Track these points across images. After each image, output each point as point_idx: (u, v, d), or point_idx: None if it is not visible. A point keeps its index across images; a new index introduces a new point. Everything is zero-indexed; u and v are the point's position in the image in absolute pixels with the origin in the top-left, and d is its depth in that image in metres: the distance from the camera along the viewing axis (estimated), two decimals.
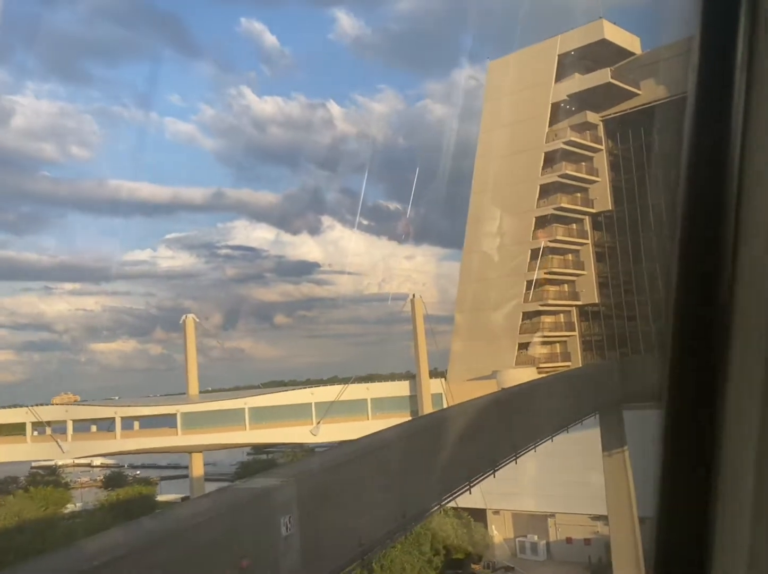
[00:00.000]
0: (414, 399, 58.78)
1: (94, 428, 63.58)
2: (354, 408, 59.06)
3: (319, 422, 57.90)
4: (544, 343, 65.28)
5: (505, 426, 21.33)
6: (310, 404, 58.14)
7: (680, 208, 1.94)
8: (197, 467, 59.93)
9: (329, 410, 58.15)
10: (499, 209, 63.44)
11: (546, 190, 61.86)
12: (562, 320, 65.86)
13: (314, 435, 57.85)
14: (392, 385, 61.30)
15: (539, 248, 62.20)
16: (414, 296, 59.01)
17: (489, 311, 64.18)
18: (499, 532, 56.35)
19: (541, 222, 62.35)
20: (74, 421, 59.76)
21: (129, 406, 59.34)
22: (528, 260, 62.13)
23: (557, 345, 66.13)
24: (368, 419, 58.78)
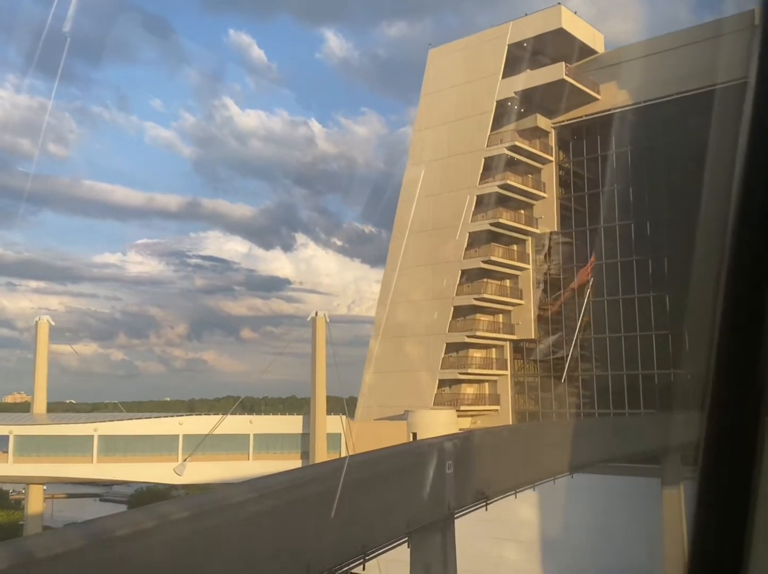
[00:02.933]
0: (306, 438, 50.51)
1: None
2: (232, 444, 50.52)
3: (186, 459, 49.08)
4: (470, 381, 57.91)
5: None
6: (177, 436, 49.31)
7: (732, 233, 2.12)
8: (35, 502, 50.39)
9: (201, 445, 49.41)
10: (428, 221, 56.22)
11: (484, 203, 54.97)
12: (494, 355, 58.66)
13: (179, 475, 48.95)
14: (281, 419, 53.00)
15: (472, 269, 55.08)
16: (317, 313, 50.98)
17: (408, 338, 56.62)
18: None
19: (476, 239, 55.29)
20: None
21: None
22: (457, 283, 54.88)
23: (486, 385, 58.82)
24: (248, 458, 50.33)
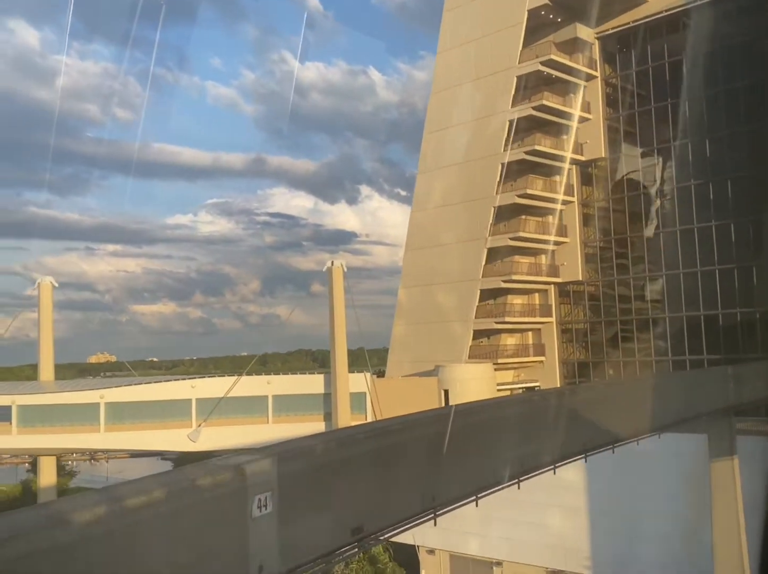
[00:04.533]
0: (329, 398, 47.22)
1: None
2: (250, 407, 47.66)
3: (200, 424, 46.50)
4: (510, 330, 53.53)
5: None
6: (190, 400, 46.66)
7: None
8: (47, 474, 48.86)
9: (216, 409, 46.73)
10: (457, 154, 51.31)
11: (519, 128, 49.63)
12: (537, 301, 53.99)
13: (193, 441, 46.46)
14: (302, 379, 49.77)
15: (507, 206, 50.17)
16: (333, 263, 47.08)
17: (439, 286, 52.40)
18: None
19: (512, 171, 50.18)
20: None
21: None
22: (491, 221, 50.11)
23: (529, 334, 54.34)
24: (268, 421, 47.47)
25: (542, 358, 53.19)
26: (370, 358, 53.54)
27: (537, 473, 18.79)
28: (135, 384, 47.52)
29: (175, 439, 46.43)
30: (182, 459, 63.27)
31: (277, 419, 47.61)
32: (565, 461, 20.10)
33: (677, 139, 46.66)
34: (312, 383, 48.37)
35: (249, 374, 49.63)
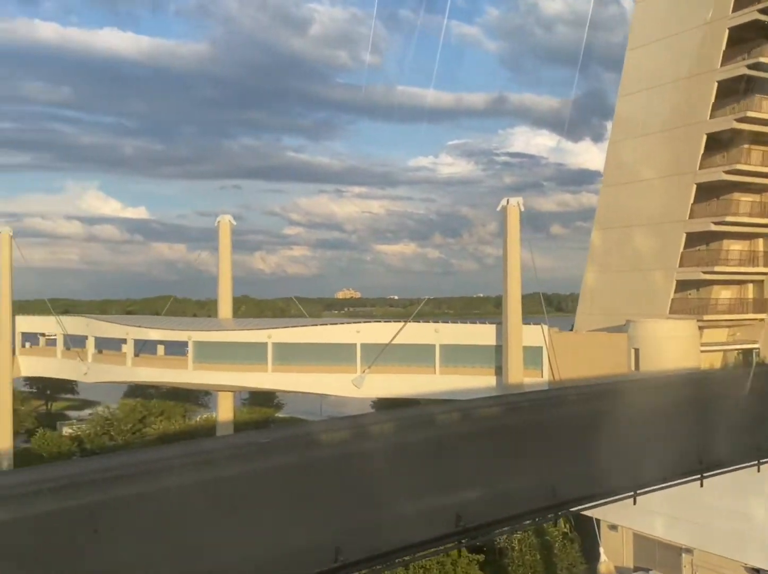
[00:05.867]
0: (500, 351, 43.67)
1: (161, 350, 55.71)
2: (416, 355, 45.54)
3: (365, 370, 45.26)
4: (725, 282, 46.08)
5: None
6: (355, 344, 45.46)
7: None
8: (225, 409, 50.76)
9: (381, 355, 45.17)
10: (661, 73, 44.15)
11: (738, 39, 41.47)
12: (761, 247, 45.87)
13: (357, 387, 45.42)
14: (473, 328, 46.44)
15: (723, 132, 42.47)
16: (509, 201, 42.80)
17: (637, 228, 46.17)
18: (609, 558, 40.86)
19: (725, 90, 42.26)
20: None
21: (141, 327, 50.89)
22: (701, 152, 42.76)
23: (749, 286, 46.49)
24: (435, 372, 45.09)
25: (764, 315, 45.30)
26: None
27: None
28: (302, 325, 47.23)
29: (340, 383, 45.69)
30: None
31: (444, 370, 45.07)
32: None
33: None
34: (483, 334, 45.02)
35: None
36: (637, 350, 40.72)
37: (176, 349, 52.68)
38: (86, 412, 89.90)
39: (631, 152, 45.95)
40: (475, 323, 48.17)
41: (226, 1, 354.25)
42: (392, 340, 44.99)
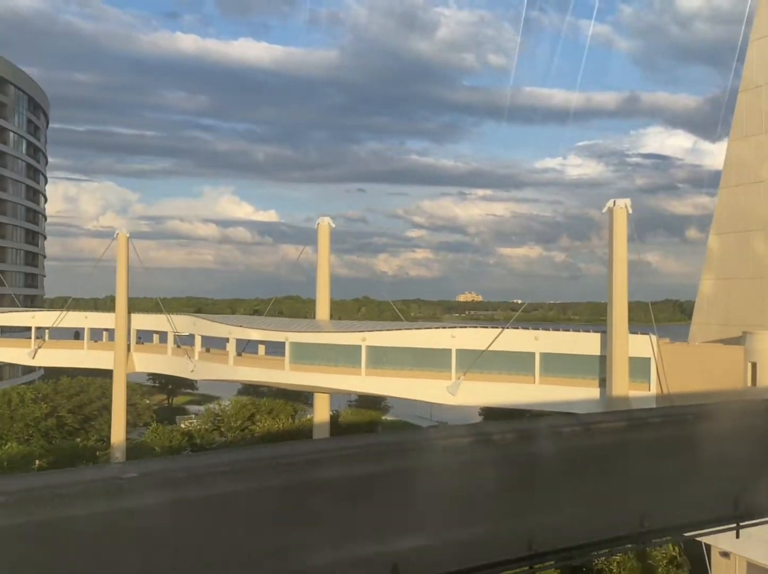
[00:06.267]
0: (605, 361, 41.18)
1: (262, 349, 56.91)
2: (515, 363, 43.76)
3: (460, 377, 43.92)
4: None
5: None
6: (450, 350, 44.23)
7: None
8: (321, 411, 50.76)
9: (477, 362, 43.71)
10: None
11: None
12: None
13: (452, 394, 44.14)
14: (576, 336, 44.04)
15: None
16: (615, 202, 40.26)
17: (759, 232, 42.41)
18: None
19: None
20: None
21: (242, 327, 51.71)
22: None
23: None
24: (534, 381, 43.14)
25: None
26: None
27: None
28: (396, 329, 46.45)
29: (434, 390, 44.61)
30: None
31: (544, 379, 43.05)
32: None
33: None
34: (586, 342, 42.63)
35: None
36: (754, 364, 37.31)
37: (278, 349, 53.37)
38: (204, 407, 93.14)
39: (753, 150, 42.26)
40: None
41: (355, 9, 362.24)
42: (489, 346, 43.46)
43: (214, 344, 58.28)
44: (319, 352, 46.57)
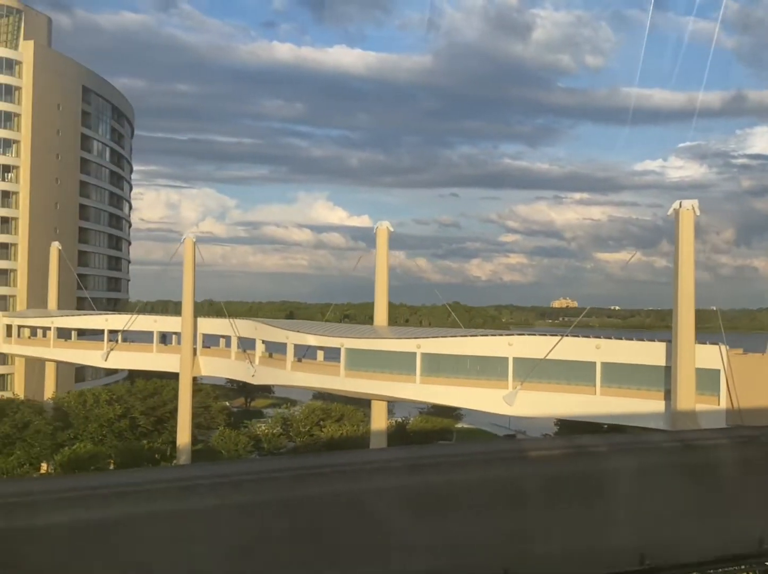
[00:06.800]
0: (671, 372, 38.92)
1: (320, 355, 56.93)
2: (574, 372, 41.95)
3: (518, 387, 42.42)
4: None
5: None
6: (506, 358, 42.79)
7: None
8: (378, 418, 50.08)
9: (536, 371, 42.14)
10: None
11: None
12: None
13: (509, 405, 42.69)
14: (640, 346, 41.83)
15: None
16: (681, 203, 37.97)
17: None
18: None
19: None
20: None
21: (299, 332, 51.59)
22: None
23: None
24: (595, 392, 41.23)
25: None
26: None
27: None
28: (451, 336, 45.34)
29: (490, 399, 43.29)
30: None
31: (606, 390, 41.08)
32: None
33: None
34: (651, 352, 40.46)
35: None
36: None
37: (337, 355, 53.02)
38: (274, 411, 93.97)
39: None
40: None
41: (450, 13, 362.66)
42: (547, 355, 41.81)
43: (278, 350, 58.48)
44: (374, 359, 45.97)
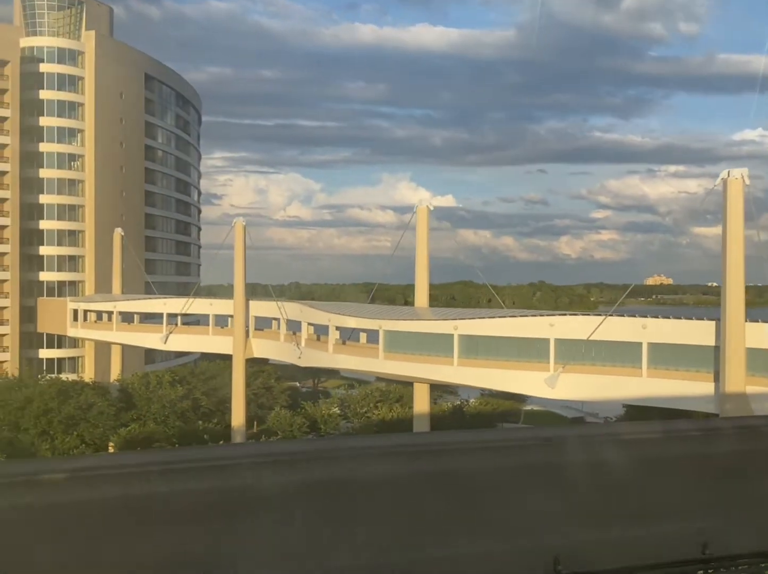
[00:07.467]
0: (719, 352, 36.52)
1: (363, 337, 56.49)
2: (619, 354, 39.99)
3: (559, 369, 40.74)
4: None
5: None
6: (548, 340, 41.12)
7: None
8: (421, 401, 49.22)
9: (578, 353, 40.38)
10: None
11: None
12: None
13: (550, 388, 41.08)
14: (688, 325, 39.38)
15: None
16: (729, 173, 35.25)
17: None
18: None
19: None
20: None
21: (340, 314, 51.09)
22: None
23: None
24: (641, 374, 39.19)
25: None
26: None
27: None
28: (488, 317, 43.92)
29: (531, 382, 41.84)
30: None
31: (653, 372, 38.98)
32: None
33: None
34: (700, 331, 38.07)
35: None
36: None
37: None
38: (333, 392, 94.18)
39: None
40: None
41: None
42: (590, 335, 39.94)
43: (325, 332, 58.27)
44: (411, 340, 45.06)
